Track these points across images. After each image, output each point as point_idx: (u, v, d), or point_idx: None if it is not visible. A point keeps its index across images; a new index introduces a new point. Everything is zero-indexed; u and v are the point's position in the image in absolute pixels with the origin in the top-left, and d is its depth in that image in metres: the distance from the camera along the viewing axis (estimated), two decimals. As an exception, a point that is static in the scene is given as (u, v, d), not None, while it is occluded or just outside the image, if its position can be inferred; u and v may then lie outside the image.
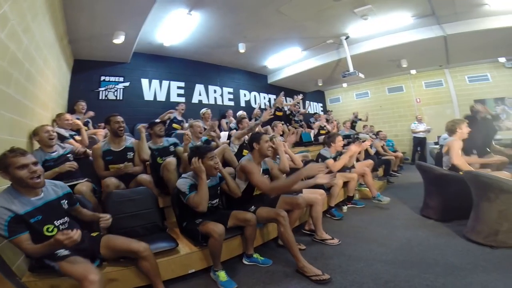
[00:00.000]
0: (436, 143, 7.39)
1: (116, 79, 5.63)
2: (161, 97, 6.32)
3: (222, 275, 1.93)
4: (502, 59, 7.46)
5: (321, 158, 3.64)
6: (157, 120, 3.17)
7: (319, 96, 10.97)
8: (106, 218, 1.66)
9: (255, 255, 2.25)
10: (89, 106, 4.29)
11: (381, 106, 9.26)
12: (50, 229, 1.45)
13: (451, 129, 3.06)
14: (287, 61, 7.69)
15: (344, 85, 10.02)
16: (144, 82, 6.07)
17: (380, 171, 5.78)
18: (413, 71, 8.52)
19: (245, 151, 3.35)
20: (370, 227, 2.99)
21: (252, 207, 2.29)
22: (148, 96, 6.10)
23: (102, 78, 5.49)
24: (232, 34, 5.64)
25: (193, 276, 2.04)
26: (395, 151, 7.00)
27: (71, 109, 4.21)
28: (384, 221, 3.12)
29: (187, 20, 4.61)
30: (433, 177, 3.01)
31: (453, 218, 2.81)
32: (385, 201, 3.69)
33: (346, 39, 6.11)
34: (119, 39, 4.41)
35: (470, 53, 6.91)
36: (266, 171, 2.50)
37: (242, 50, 6.17)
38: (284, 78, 8.42)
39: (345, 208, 3.71)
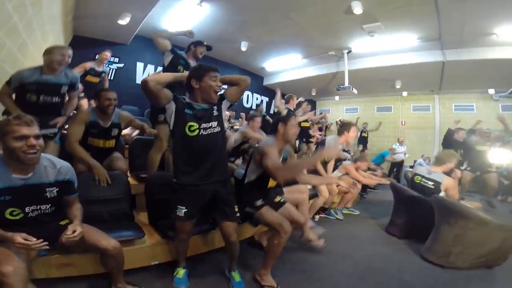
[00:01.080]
0: (412, 167, 7.74)
1: (111, 59, 5.37)
2: (153, 82, 6.08)
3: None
4: (491, 91, 7.89)
5: (322, 145, 3.27)
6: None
7: (310, 104, 11.07)
8: (71, 235, 1.29)
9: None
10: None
11: (367, 123, 9.51)
12: (14, 213, 1.26)
13: (441, 160, 3.09)
14: (285, 66, 7.73)
15: (336, 98, 10.21)
16: (139, 65, 5.86)
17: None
18: (404, 93, 8.84)
19: None
20: (337, 239, 3.06)
21: (259, 201, 1.96)
22: (140, 80, 5.83)
23: (97, 56, 5.22)
24: (237, 31, 5.58)
25: (155, 268, 1.97)
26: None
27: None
28: (351, 235, 3.27)
29: (196, 10, 4.50)
30: (404, 198, 3.16)
31: (414, 236, 2.96)
32: (339, 217, 3.78)
33: (348, 53, 6.21)
34: (124, 20, 4.28)
35: (463, 81, 7.22)
36: (284, 160, 2.25)
37: (244, 48, 6.14)
38: (280, 82, 8.42)
39: (316, 217, 3.65)
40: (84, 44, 5.00)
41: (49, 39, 3.07)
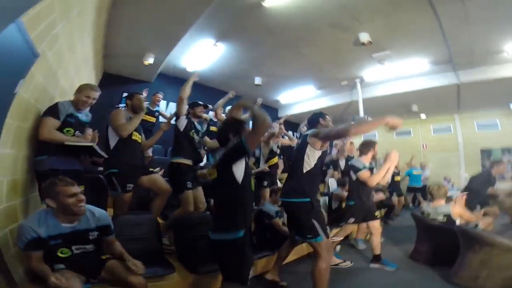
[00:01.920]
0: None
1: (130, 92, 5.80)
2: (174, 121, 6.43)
3: None
4: (512, 105, 7.57)
5: (353, 169, 3.11)
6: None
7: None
8: (138, 271, 1.56)
9: None
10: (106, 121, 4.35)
11: (387, 150, 9.27)
12: (64, 252, 1.52)
13: (434, 195, 3.22)
14: (300, 97, 7.93)
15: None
16: (162, 104, 6.21)
17: (382, 212, 5.59)
18: (423, 116, 8.69)
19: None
20: (362, 265, 3.13)
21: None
22: (162, 118, 6.20)
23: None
24: (251, 67, 5.92)
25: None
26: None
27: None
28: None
29: (212, 49, 4.88)
30: (425, 227, 3.26)
31: (439, 263, 2.96)
32: (361, 247, 3.70)
33: (360, 82, 6.35)
34: (149, 60, 4.67)
35: (481, 100, 7.06)
36: None
37: (258, 83, 6.42)
38: (295, 114, 8.55)
39: (338, 248, 3.55)
40: (112, 81, 5.43)
41: (83, 78, 3.26)
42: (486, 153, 8.15)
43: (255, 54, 5.34)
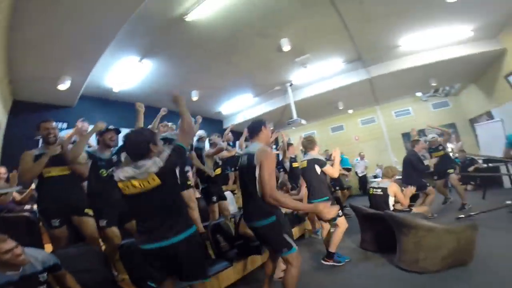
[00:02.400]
0: (375, 176, 8.25)
1: (59, 125, 5.09)
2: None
3: None
4: (418, 94, 9.06)
5: (317, 163, 3.09)
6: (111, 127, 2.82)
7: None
8: None
9: None
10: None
11: (326, 144, 10.10)
12: None
13: (387, 174, 3.60)
14: (240, 106, 8.15)
15: (293, 127, 10.84)
16: (90, 129, 5.71)
17: None
18: (350, 111, 9.72)
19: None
20: (317, 258, 3.23)
21: None
22: (94, 145, 5.69)
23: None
24: (184, 82, 5.87)
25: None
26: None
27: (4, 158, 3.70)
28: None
29: (138, 67, 4.71)
30: (363, 216, 3.52)
31: (387, 249, 3.08)
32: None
33: (290, 86, 6.84)
34: (65, 85, 4.24)
35: (393, 91, 8.13)
36: None
37: (195, 98, 6.36)
38: (238, 123, 8.75)
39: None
40: (26, 109, 4.76)
41: None
42: (406, 136, 9.49)
43: (187, 69, 5.34)
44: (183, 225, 1.57)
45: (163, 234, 1.51)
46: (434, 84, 7.24)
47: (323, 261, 3.07)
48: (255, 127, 2.16)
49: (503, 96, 5.98)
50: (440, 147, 5.22)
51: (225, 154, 4.48)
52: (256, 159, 1.89)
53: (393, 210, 3.27)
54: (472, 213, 4.08)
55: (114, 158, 2.58)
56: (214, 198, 3.83)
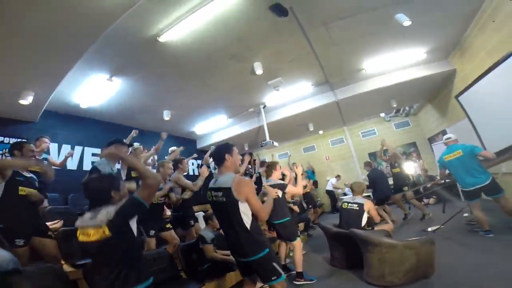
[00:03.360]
0: (345, 194, 8.55)
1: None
2: (72, 165, 5.55)
3: None
4: (382, 114, 9.74)
5: (280, 187, 3.28)
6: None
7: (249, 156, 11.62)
8: None
9: None
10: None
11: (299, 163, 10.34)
12: None
13: (357, 190, 3.84)
14: (214, 127, 8.15)
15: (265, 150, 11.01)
16: (53, 147, 5.32)
17: (301, 226, 6.04)
18: (320, 132, 10.15)
19: None
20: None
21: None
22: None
23: (1, 139, 4.62)
24: (156, 101, 5.80)
25: None
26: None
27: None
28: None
29: (107, 85, 4.58)
30: (331, 235, 3.65)
31: (355, 265, 3.21)
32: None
33: (263, 107, 7.03)
34: (27, 100, 4.01)
35: (358, 112, 8.60)
36: None
37: (166, 118, 6.28)
38: (213, 143, 8.68)
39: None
40: None
41: None
42: (373, 156, 10.05)
43: (159, 88, 5.28)
44: (135, 279, 1.51)
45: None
46: (395, 105, 7.75)
47: (295, 282, 3.15)
48: (220, 156, 2.06)
49: (455, 115, 6.38)
50: (396, 164, 5.71)
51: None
52: (235, 193, 1.86)
53: (363, 227, 3.43)
54: (435, 228, 4.37)
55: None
56: (192, 222, 3.97)
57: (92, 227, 1.48)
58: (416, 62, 5.88)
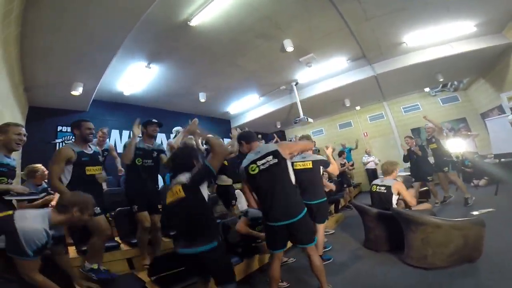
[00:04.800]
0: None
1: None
2: (121, 148, 6.15)
3: None
4: (427, 89, 8.89)
5: (322, 164, 3.17)
6: (154, 120, 3.07)
7: (281, 135, 11.61)
8: None
9: None
10: (44, 160, 4.02)
11: (334, 142, 10.04)
12: None
13: (387, 171, 3.55)
14: (247, 106, 8.25)
15: (300, 126, 10.83)
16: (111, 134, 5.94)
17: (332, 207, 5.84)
18: (357, 107, 9.63)
19: None
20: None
21: None
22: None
23: (59, 128, 5.25)
24: (192, 84, 6.01)
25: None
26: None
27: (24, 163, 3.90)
28: (336, 254, 3.36)
29: (146, 72, 4.87)
30: (368, 216, 3.45)
31: (392, 248, 3.15)
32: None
33: (296, 85, 6.85)
34: (77, 91, 4.45)
35: (400, 87, 8.05)
36: None
37: (202, 100, 6.52)
38: (246, 122, 8.88)
39: None
40: (42, 115, 5.05)
41: (5, 117, 3.07)
42: (415, 132, 9.34)
43: (193, 72, 5.46)
44: (205, 240, 1.72)
45: (190, 243, 1.72)
46: (441, 80, 7.08)
47: None
48: (252, 137, 2.39)
49: None
50: (433, 139, 5.17)
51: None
52: (282, 152, 2.16)
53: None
54: (484, 211, 4.04)
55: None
56: (234, 202, 4.16)
57: (170, 189, 1.79)
58: (464, 36, 5.29)
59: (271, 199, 2.09)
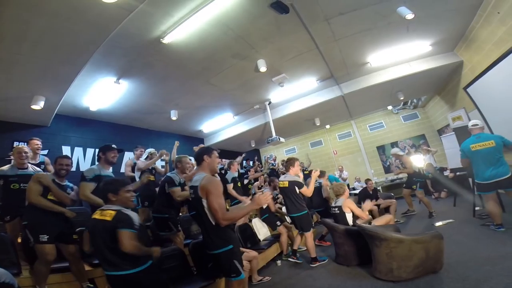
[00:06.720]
0: (354, 189, 8.50)
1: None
2: (85, 167, 5.73)
3: None
4: (390, 107, 9.57)
5: (296, 185, 3.61)
6: (114, 146, 2.87)
7: (255, 154, 11.68)
8: None
9: None
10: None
11: (308, 159, 10.31)
12: None
13: (338, 192, 3.81)
14: (221, 125, 8.22)
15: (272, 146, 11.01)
16: (65, 149, 5.50)
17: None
18: (327, 126, 10.06)
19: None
20: (297, 277, 3.33)
21: None
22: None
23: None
24: (163, 102, 5.90)
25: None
26: None
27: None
28: (308, 270, 3.47)
29: (115, 87, 4.69)
30: (337, 232, 3.58)
31: (361, 262, 3.24)
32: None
33: (269, 104, 7.02)
34: (38, 105, 4.18)
35: (365, 106, 8.56)
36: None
37: (174, 118, 6.38)
38: (220, 141, 8.83)
39: (278, 262, 3.91)
40: None
41: None
42: (381, 149, 9.93)
43: (166, 89, 5.37)
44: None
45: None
46: (402, 98, 7.65)
47: (311, 265, 3.53)
48: (198, 157, 2.24)
49: (464, 107, 6.25)
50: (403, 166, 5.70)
51: None
52: (200, 191, 1.99)
53: (353, 225, 3.46)
54: (445, 222, 4.32)
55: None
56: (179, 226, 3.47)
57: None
58: (421, 55, 5.79)
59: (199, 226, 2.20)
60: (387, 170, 9.48)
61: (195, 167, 3.59)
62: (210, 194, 1.93)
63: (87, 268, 2.69)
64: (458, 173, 5.97)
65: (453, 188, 5.84)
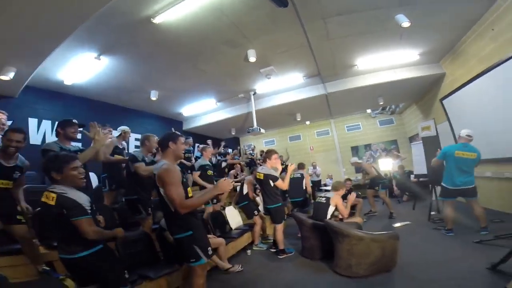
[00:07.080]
0: (325, 185, 8.90)
1: None
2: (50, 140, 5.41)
3: None
4: (368, 111, 9.97)
5: (271, 178, 3.75)
6: (74, 121, 2.69)
7: (235, 142, 11.68)
8: None
9: None
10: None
11: (287, 153, 10.51)
12: None
13: (336, 188, 4.04)
14: (202, 110, 8.06)
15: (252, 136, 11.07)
16: (32, 122, 5.11)
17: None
18: (307, 122, 10.29)
19: None
20: (266, 267, 3.51)
21: None
22: (35, 139, 5.10)
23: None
24: (144, 81, 5.66)
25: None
26: None
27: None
28: (275, 262, 3.66)
29: (94, 63, 4.41)
30: (305, 226, 3.77)
31: (324, 256, 3.44)
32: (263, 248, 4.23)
33: (254, 94, 7.01)
34: (7, 76, 3.82)
35: (346, 107, 8.80)
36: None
37: (154, 98, 6.17)
38: (200, 126, 8.70)
39: (249, 251, 4.13)
40: None
41: None
42: (354, 149, 10.39)
43: (149, 68, 5.13)
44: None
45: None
46: (381, 103, 7.96)
47: (279, 256, 3.73)
48: (162, 143, 2.18)
49: (437, 118, 6.55)
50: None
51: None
52: (158, 180, 2.00)
53: (329, 219, 3.67)
54: (402, 224, 4.71)
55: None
56: (149, 210, 3.38)
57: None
58: (408, 63, 5.98)
59: None
60: (358, 170, 9.95)
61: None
62: (166, 184, 1.93)
63: (43, 251, 2.57)
64: (421, 179, 6.47)
65: (416, 191, 6.34)
